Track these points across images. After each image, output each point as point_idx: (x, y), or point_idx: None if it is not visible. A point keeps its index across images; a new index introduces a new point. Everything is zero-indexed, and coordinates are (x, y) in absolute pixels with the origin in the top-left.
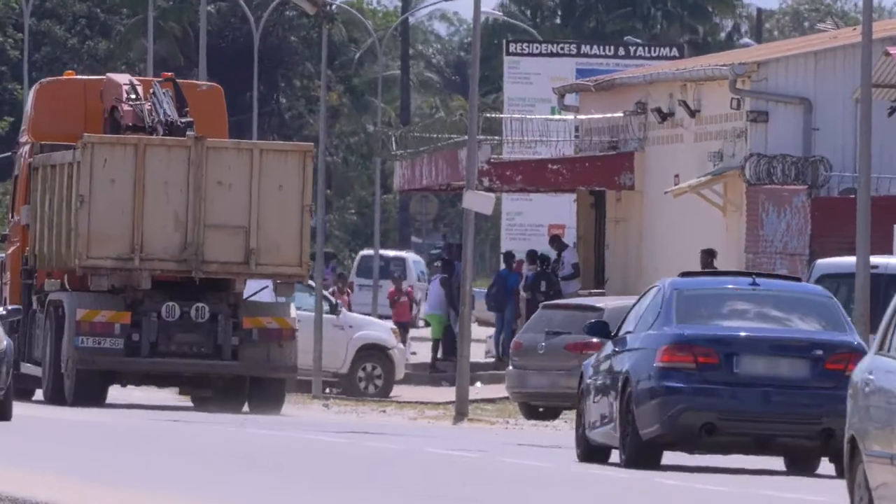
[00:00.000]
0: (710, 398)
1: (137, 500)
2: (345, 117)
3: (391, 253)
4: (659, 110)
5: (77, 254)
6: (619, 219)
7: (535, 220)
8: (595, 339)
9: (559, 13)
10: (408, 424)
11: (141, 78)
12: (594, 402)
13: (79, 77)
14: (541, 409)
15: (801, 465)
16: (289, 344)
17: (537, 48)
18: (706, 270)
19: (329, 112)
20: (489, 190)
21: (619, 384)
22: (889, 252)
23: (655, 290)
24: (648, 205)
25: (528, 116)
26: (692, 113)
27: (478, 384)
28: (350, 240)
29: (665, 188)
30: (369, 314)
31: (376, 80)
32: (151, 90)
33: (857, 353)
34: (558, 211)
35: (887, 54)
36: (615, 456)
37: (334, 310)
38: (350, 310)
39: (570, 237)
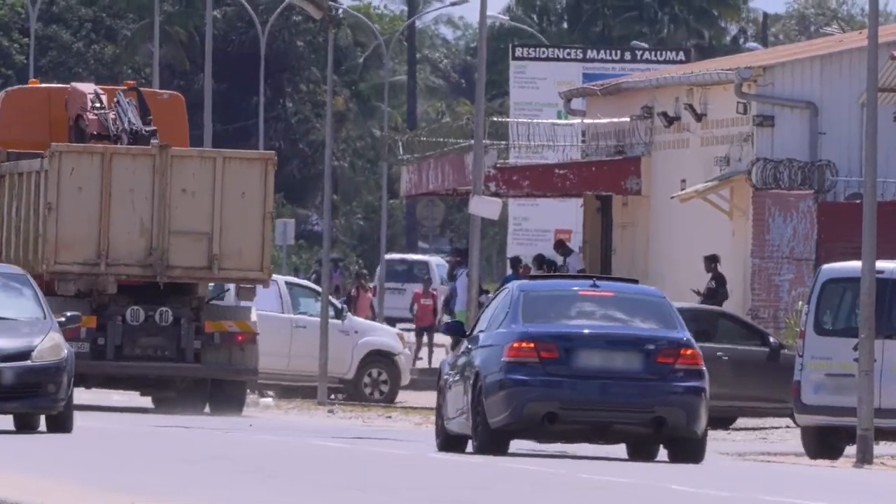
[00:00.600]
0: (552, 389)
1: None
2: (351, 122)
3: (415, 256)
4: (665, 114)
5: (45, 259)
6: (626, 223)
7: (542, 225)
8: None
9: (566, 18)
10: (413, 430)
11: (105, 87)
12: (451, 395)
13: (43, 86)
14: None
15: (641, 452)
16: (250, 347)
17: (544, 52)
18: (553, 274)
19: (335, 117)
20: (496, 195)
21: (472, 378)
22: (895, 257)
23: (505, 292)
24: (655, 209)
25: (534, 121)
26: (698, 117)
27: None
28: (357, 244)
29: (672, 193)
30: (393, 319)
31: (383, 85)
32: (116, 99)
33: (685, 348)
34: (565, 216)
35: (893, 58)
36: (472, 445)
37: (339, 315)
38: (373, 310)
39: (576, 242)
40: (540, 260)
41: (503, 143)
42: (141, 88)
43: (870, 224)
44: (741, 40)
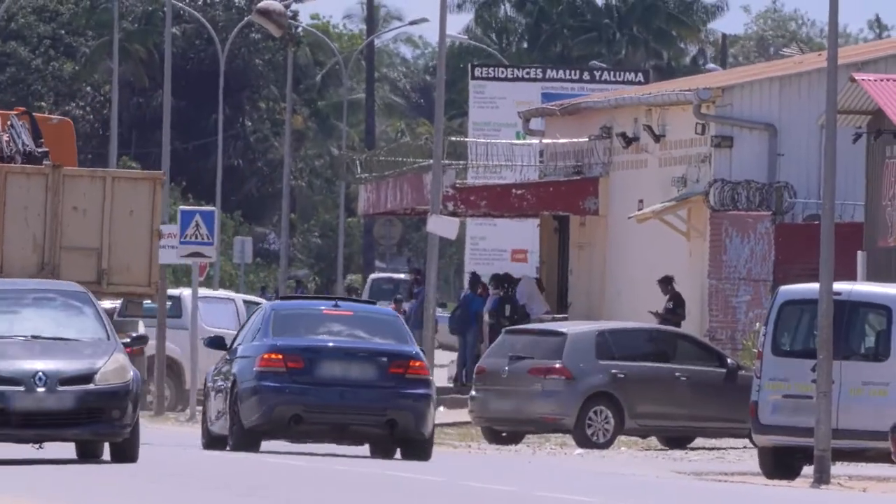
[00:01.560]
0: (297, 395)
1: None
2: (310, 140)
3: (400, 276)
4: (624, 135)
5: None
6: (583, 243)
7: (499, 244)
8: (548, 363)
9: (525, 38)
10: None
11: None
12: (214, 400)
13: None
14: (503, 434)
15: (380, 452)
16: (138, 360)
17: (503, 72)
18: (300, 295)
19: (294, 135)
20: (454, 214)
21: (229, 385)
22: (852, 279)
23: (260, 310)
24: (612, 230)
25: (493, 141)
26: (657, 138)
27: (441, 408)
28: (314, 262)
29: (629, 213)
30: None
31: (341, 104)
32: (9, 122)
33: (414, 360)
34: (522, 235)
35: (853, 80)
36: (228, 444)
37: None
38: None
39: (532, 261)
40: (498, 279)
41: (462, 163)
42: (33, 113)
43: (828, 245)
44: (700, 61)
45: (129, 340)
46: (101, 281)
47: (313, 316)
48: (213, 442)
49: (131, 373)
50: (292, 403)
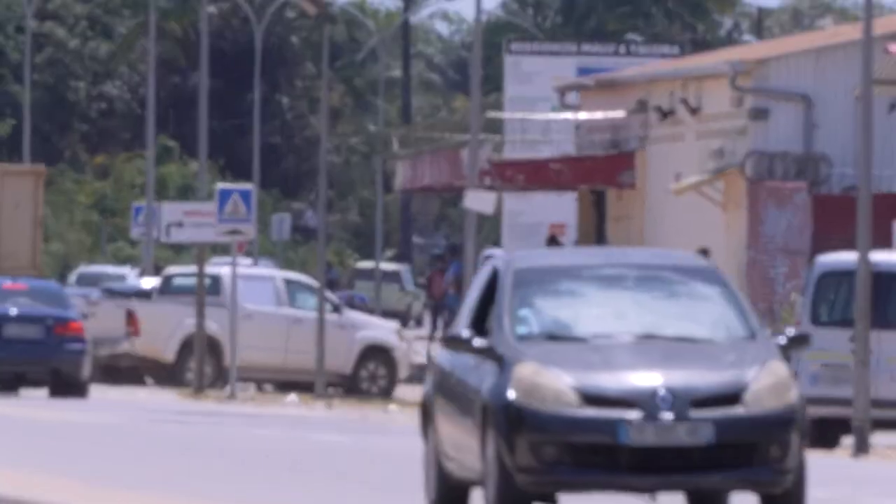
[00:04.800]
0: None
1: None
2: (346, 118)
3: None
4: (659, 108)
5: None
6: (621, 217)
7: (537, 219)
8: None
9: (560, 12)
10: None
11: None
12: None
13: None
14: None
15: (60, 392)
16: None
17: (538, 47)
18: None
19: (331, 112)
20: (490, 189)
21: None
22: (890, 248)
23: None
24: (649, 203)
25: (529, 115)
26: (693, 111)
27: None
28: (352, 239)
29: (666, 186)
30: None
31: (378, 81)
32: None
33: (73, 322)
34: (560, 210)
35: (887, 52)
36: None
37: (337, 309)
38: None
39: (570, 236)
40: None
41: (498, 137)
42: None
43: (865, 216)
44: (735, 34)
45: (785, 341)
46: None
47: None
48: None
49: (793, 391)
50: None
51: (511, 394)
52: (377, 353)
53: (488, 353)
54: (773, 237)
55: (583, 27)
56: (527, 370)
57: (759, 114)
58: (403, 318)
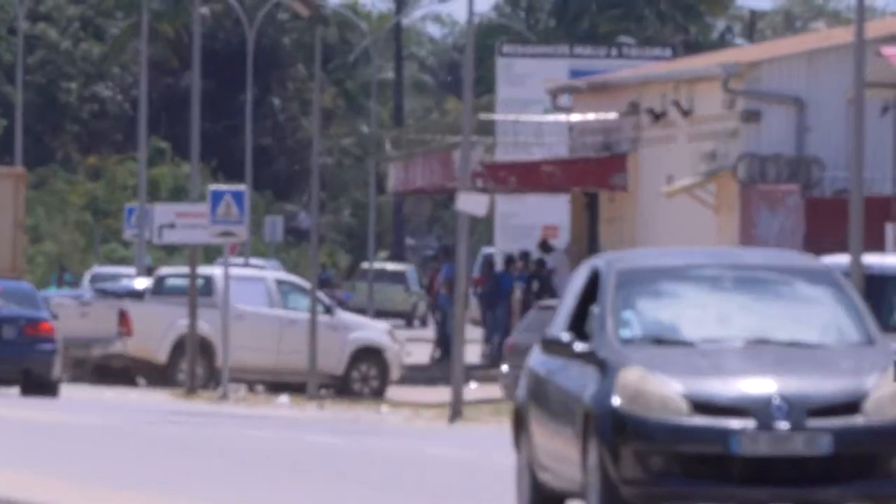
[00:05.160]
0: None
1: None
2: (339, 119)
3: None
4: (652, 111)
5: None
6: (613, 219)
7: (530, 220)
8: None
9: (553, 15)
10: (403, 425)
11: None
12: None
13: None
14: None
15: (31, 391)
16: None
17: (531, 49)
18: None
19: (323, 114)
20: (483, 191)
21: None
22: (882, 252)
23: None
24: (641, 205)
25: (521, 118)
26: (685, 113)
27: (472, 384)
28: (345, 241)
29: (658, 189)
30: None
31: (370, 83)
32: None
33: (44, 323)
34: (552, 212)
35: (880, 55)
36: None
37: (329, 310)
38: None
39: (563, 238)
40: (525, 256)
41: (490, 139)
42: None
43: (857, 219)
44: (728, 37)
45: None
46: None
47: None
48: None
49: None
50: None
51: (616, 400)
52: (369, 354)
53: (590, 357)
54: (765, 240)
55: (575, 29)
56: (632, 376)
57: (752, 116)
58: (408, 318)
